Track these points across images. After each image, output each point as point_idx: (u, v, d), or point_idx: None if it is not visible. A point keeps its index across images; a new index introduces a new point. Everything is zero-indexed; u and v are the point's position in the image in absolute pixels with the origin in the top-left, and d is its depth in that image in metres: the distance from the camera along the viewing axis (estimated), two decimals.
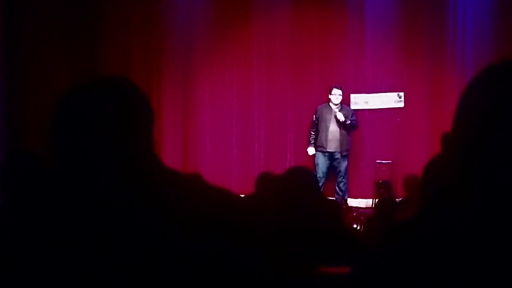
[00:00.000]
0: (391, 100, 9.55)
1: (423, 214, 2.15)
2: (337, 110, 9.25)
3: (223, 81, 10.02)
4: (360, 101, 9.58)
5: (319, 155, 9.37)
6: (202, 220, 1.53)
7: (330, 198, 9.07)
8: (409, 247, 1.11)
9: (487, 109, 1.09)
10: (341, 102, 9.32)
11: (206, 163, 9.72)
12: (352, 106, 9.51)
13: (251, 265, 1.58)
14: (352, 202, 9.54)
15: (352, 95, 9.58)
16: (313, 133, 9.49)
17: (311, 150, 9.50)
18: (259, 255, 1.63)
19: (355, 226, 7.20)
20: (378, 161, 9.69)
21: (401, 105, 9.51)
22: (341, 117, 9.18)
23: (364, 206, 9.46)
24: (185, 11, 9.79)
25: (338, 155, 9.30)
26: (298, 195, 3.00)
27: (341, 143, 9.28)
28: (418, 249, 1.10)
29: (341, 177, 9.38)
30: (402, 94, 9.49)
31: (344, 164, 9.38)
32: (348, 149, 9.40)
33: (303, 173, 3.20)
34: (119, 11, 9.42)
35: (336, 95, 9.29)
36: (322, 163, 9.32)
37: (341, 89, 9.33)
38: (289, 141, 10.03)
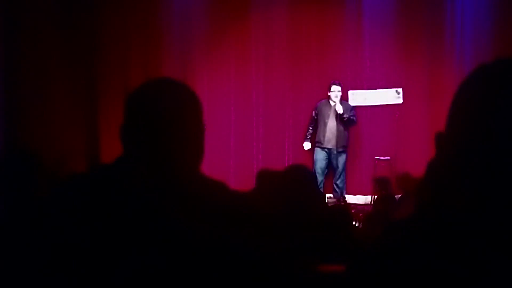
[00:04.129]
0: (390, 96, 9.56)
1: (420, 213, 2.17)
2: (337, 102, 9.27)
3: (221, 79, 10.02)
4: (359, 97, 9.59)
5: (318, 150, 9.40)
6: (223, 219, 1.63)
7: (329, 195, 9.10)
8: (405, 246, 1.12)
9: (479, 108, 1.10)
10: (341, 98, 9.34)
11: (205, 161, 9.67)
12: (351, 103, 9.53)
13: (256, 260, 1.62)
14: (350, 198, 9.55)
15: (350, 92, 9.59)
16: (311, 128, 9.52)
17: (306, 145, 9.55)
18: (263, 250, 1.67)
19: (354, 223, 7.19)
20: (376, 157, 9.70)
21: (400, 101, 9.52)
22: (339, 109, 9.21)
23: (362, 202, 9.48)
24: (183, 9, 9.78)
25: (335, 151, 9.32)
26: (297, 193, 3.02)
27: (338, 139, 9.31)
28: (414, 248, 1.11)
29: (339, 174, 9.40)
30: (400, 90, 9.50)
31: (341, 160, 9.40)
32: (345, 145, 9.42)
33: (302, 171, 3.21)
34: (117, 10, 9.41)
35: (335, 92, 9.32)
36: (320, 159, 9.35)
37: (339, 85, 9.35)
38: (287, 139, 10.04)
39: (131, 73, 9.25)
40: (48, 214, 1.64)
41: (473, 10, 9.74)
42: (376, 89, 9.67)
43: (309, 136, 9.55)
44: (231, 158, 10.00)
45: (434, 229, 1.12)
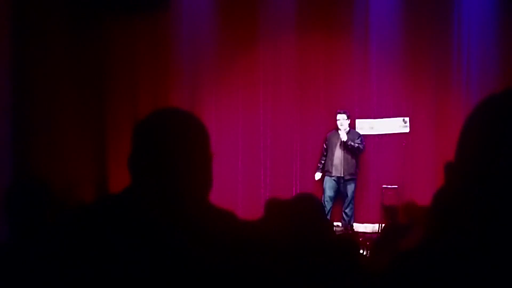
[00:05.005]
0: (397, 125, 9.57)
1: (429, 243, 2.16)
2: (342, 129, 9.29)
3: (229, 107, 10.04)
4: (366, 126, 9.60)
5: (327, 179, 9.43)
6: (231, 247, 1.64)
7: (337, 223, 9.06)
8: (413, 276, 1.12)
9: (488, 139, 1.10)
10: (349, 126, 9.36)
11: (213, 190, 9.65)
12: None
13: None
14: (358, 227, 9.51)
15: (357, 120, 9.61)
16: (322, 160, 9.54)
17: (317, 175, 9.57)
18: (271, 279, 1.67)
19: (361, 251, 7.16)
20: (384, 186, 9.68)
21: (407, 130, 9.53)
22: (343, 136, 9.23)
23: (370, 231, 9.43)
24: (192, 37, 9.85)
25: (343, 179, 9.33)
26: (305, 222, 3.01)
27: (345, 167, 9.33)
28: (422, 278, 1.11)
29: (348, 202, 9.39)
30: (407, 119, 9.52)
31: (350, 189, 9.39)
32: (353, 173, 9.41)
33: (310, 200, 3.21)
34: (126, 40, 9.51)
35: (340, 120, 9.35)
36: (329, 187, 9.35)
37: (344, 113, 9.38)
38: (295, 167, 10.02)
39: (140, 102, 9.31)
40: (56, 242, 1.65)
41: (479, 39, 9.78)
42: (383, 118, 9.68)
43: (321, 167, 9.58)
44: (239, 187, 9.99)
45: (443, 258, 1.12)
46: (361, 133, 9.53)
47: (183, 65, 9.83)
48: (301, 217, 3.05)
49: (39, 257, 1.67)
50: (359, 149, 9.41)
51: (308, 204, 3.13)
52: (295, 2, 9.93)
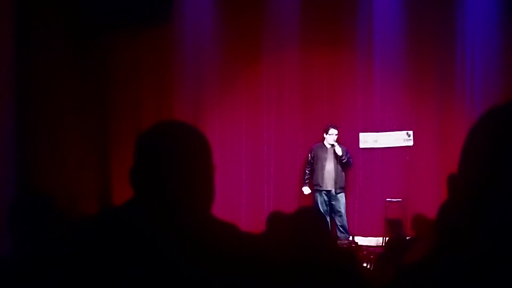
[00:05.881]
0: (400, 138, 9.58)
1: (434, 255, 2.16)
2: (336, 144, 9.32)
3: (232, 121, 10.05)
4: (370, 139, 9.61)
5: (317, 195, 9.43)
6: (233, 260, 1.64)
7: (341, 241, 9.03)
8: None
9: (491, 150, 1.10)
10: (337, 141, 9.40)
11: (216, 203, 9.64)
12: (361, 145, 9.60)
13: None
14: (362, 240, 9.48)
15: (361, 134, 9.63)
16: (307, 171, 9.56)
17: (306, 190, 9.61)
18: None
19: (364, 264, 7.14)
20: (388, 199, 9.66)
21: (410, 143, 9.53)
22: (339, 150, 9.29)
23: (374, 244, 9.40)
24: (195, 51, 9.87)
25: (334, 193, 9.39)
26: (308, 235, 3.01)
27: (336, 181, 9.40)
28: None
29: (340, 216, 9.39)
30: (411, 132, 9.52)
31: (342, 201, 9.46)
32: (343, 186, 9.46)
33: (312, 213, 3.21)
34: (130, 53, 9.53)
35: (333, 135, 9.37)
36: (321, 202, 9.41)
37: (337, 128, 9.40)
38: (298, 180, 10.01)
39: (143, 116, 9.32)
40: (60, 255, 1.65)
41: (483, 52, 9.78)
42: (387, 131, 9.68)
43: (307, 181, 9.59)
44: (242, 200, 9.98)
45: (447, 272, 1.11)
46: (365, 146, 9.61)
47: (186, 79, 9.85)
48: (304, 230, 3.04)
49: (43, 270, 1.67)
50: (351, 163, 9.52)
51: (311, 218, 3.13)
52: (298, 16, 9.96)
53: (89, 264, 1.56)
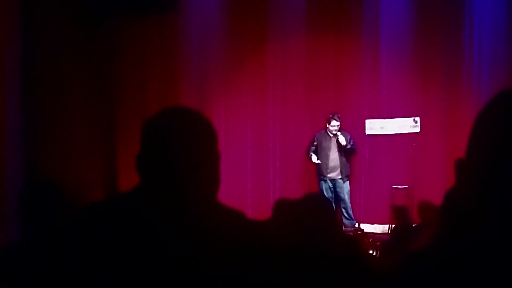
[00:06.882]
0: (407, 125, 9.56)
1: (441, 242, 2.16)
2: (339, 133, 9.31)
3: (238, 108, 10.05)
4: (376, 126, 9.60)
5: (321, 182, 9.46)
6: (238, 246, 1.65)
7: (347, 228, 9.04)
8: (423, 277, 1.12)
9: (500, 134, 1.09)
10: (340, 128, 9.39)
11: (222, 190, 9.67)
12: (368, 132, 9.58)
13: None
14: (368, 227, 9.49)
15: (367, 121, 9.61)
16: (313, 146, 9.52)
17: (314, 157, 9.54)
18: (280, 279, 1.67)
19: (371, 252, 7.15)
20: (394, 186, 9.65)
21: (417, 130, 9.51)
22: (342, 140, 9.31)
23: (380, 231, 9.41)
24: (200, 38, 9.86)
25: (340, 181, 9.41)
26: (314, 222, 3.01)
27: (342, 170, 9.45)
28: (432, 279, 1.10)
29: (345, 202, 9.42)
30: (418, 119, 9.50)
31: (346, 189, 9.48)
32: (348, 175, 9.50)
33: (319, 199, 3.21)
34: (135, 41, 9.53)
35: (335, 127, 9.36)
36: (325, 189, 9.44)
37: (339, 119, 9.40)
38: (304, 167, 10.01)
39: (149, 104, 9.33)
40: (67, 242, 1.66)
41: (490, 39, 9.73)
42: (393, 118, 9.66)
43: (314, 149, 9.54)
44: (248, 186, 9.99)
45: (453, 259, 1.11)
46: (372, 133, 9.60)
47: (191, 66, 9.85)
48: (310, 217, 3.04)
49: (51, 256, 1.68)
50: (355, 150, 9.55)
51: (317, 204, 3.13)
52: (304, 3, 9.92)
53: (96, 250, 1.57)
